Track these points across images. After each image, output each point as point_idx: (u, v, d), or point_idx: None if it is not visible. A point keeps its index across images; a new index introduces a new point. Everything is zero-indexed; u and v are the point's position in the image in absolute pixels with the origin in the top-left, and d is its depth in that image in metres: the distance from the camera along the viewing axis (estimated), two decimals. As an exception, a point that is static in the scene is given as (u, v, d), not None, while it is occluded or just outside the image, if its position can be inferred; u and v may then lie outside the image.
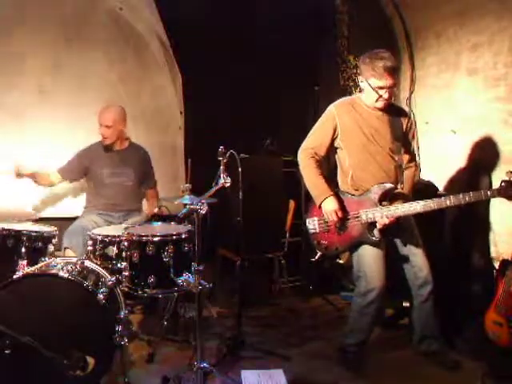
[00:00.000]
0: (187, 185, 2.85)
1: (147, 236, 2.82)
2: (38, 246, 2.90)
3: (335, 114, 2.98)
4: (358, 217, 2.92)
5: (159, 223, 3.18)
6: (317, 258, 3.11)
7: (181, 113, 4.30)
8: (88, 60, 4.03)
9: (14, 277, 2.61)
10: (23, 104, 3.95)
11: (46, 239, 2.95)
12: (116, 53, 4.12)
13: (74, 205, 3.92)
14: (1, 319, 2.36)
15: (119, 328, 2.55)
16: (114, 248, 2.97)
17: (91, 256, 2.98)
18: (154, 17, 4.16)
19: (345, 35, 4.59)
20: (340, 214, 2.91)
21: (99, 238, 3.01)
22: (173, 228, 3.07)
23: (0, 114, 3.91)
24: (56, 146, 3.97)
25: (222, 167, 2.79)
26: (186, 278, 2.63)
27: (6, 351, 2.37)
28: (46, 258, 2.83)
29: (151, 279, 2.78)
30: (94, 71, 4.07)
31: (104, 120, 3.64)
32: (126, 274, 2.85)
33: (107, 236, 3.01)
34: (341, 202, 2.95)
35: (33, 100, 3.96)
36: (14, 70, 3.92)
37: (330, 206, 2.92)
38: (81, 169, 3.73)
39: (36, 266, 2.71)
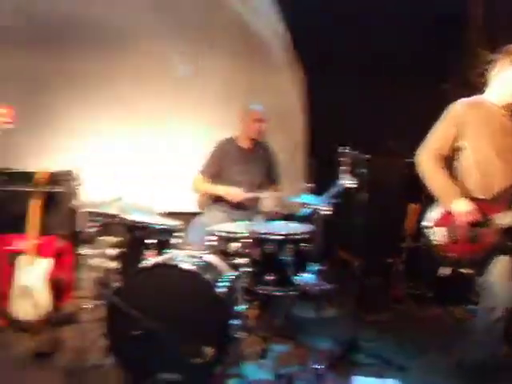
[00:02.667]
0: (308, 184, 2.85)
1: (268, 234, 2.85)
2: (163, 239, 3.06)
3: (459, 111, 2.81)
4: (491, 222, 2.66)
5: (280, 222, 3.21)
6: (447, 273, 2.82)
7: (303, 113, 4.30)
8: (214, 62, 4.19)
9: (142, 266, 2.81)
10: (157, 109, 4.23)
11: (171, 232, 3.11)
12: (238, 54, 4.22)
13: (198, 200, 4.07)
14: (131, 304, 2.54)
15: (236, 322, 2.62)
16: (235, 244, 3.02)
17: (212, 251, 3.07)
18: (276, 18, 4.19)
19: (478, 27, 4.26)
20: (475, 216, 2.65)
21: (221, 233, 3.10)
22: (294, 227, 3.07)
23: (134, 119, 4.23)
24: (185, 145, 4.18)
25: (344, 168, 2.74)
26: (304, 278, 2.63)
27: (136, 333, 2.55)
28: (171, 250, 2.98)
29: (270, 277, 2.81)
30: (218, 73, 4.21)
31: (264, 114, 3.69)
32: (246, 270, 2.91)
33: (229, 232, 3.08)
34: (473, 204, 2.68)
35: (165, 104, 4.22)
36: (150, 75, 4.22)
37: (462, 206, 2.67)
38: (217, 167, 3.77)
39: (161, 257, 2.87)
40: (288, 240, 2.84)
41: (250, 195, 3.56)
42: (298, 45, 4.30)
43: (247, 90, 4.20)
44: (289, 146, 4.23)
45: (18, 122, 4.17)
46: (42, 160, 3.89)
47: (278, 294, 2.95)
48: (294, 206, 3.40)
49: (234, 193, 3.55)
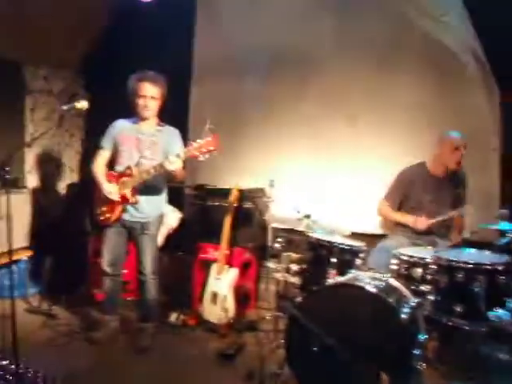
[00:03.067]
0: (504, 210, 2.62)
1: (458, 262, 2.68)
2: (346, 258, 3.12)
3: None
4: None
5: (471, 250, 2.99)
6: None
7: (496, 133, 3.95)
8: (400, 82, 4.12)
9: (327, 284, 2.88)
10: (338, 127, 4.33)
11: (354, 253, 3.14)
12: (426, 73, 4.07)
13: (382, 223, 4.05)
14: (312, 319, 2.60)
15: (417, 351, 2.49)
16: (420, 270, 2.92)
17: (395, 275, 3.00)
18: (470, 32, 3.95)
19: None
20: None
21: (404, 257, 3.02)
22: (487, 257, 2.84)
23: (320, 139, 4.37)
24: (373, 166, 4.19)
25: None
26: (498, 314, 2.41)
27: (314, 348, 2.61)
28: (354, 271, 3.00)
29: (458, 308, 2.64)
30: (404, 93, 4.12)
31: (463, 143, 3.52)
32: (431, 298, 2.78)
33: (413, 257, 2.99)
34: None
35: (347, 124, 4.30)
36: (329, 96, 4.35)
37: None
38: (403, 193, 3.68)
39: (345, 277, 2.92)
40: (479, 270, 2.64)
41: (434, 221, 3.43)
42: (493, 61, 3.97)
43: (436, 109, 4.00)
44: (482, 168, 3.91)
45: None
46: (236, 178, 4.22)
47: (465, 327, 2.74)
48: (489, 233, 3.14)
49: (419, 222, 3.46)
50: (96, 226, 3.61)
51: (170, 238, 4.04)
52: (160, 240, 3.67)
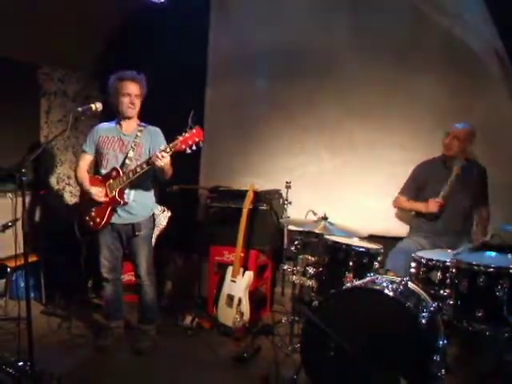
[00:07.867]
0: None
1: (479, 266, 2.61)
2: (364, 262, 3.07)
3: None
4: None
5: (493, 253, 2.92)
6: None
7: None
8: (419, 82, 4.07)
9: (344, 287, 2.83)
10: (354, 128, 4.28)
11: (372, 256, 3.09)
12: (447, 72, 4.01)
13: (400, 225, 4.01)
14: (329, 323, 2.55)
15: (437, 357, 2.42)
16: (439, 273, 2.86)
17: (413, 278, 2.95)
18: (491, 31, 3.88)
19: None
20: None
21: (423, 260, 2.95)
22: (509, 260, 2.77)
23: (339, 141, 4.35)
24: (390, 167, 4.15)
25: None
26: (521, 319, 2.33)
27: (331, 353, 2.56)
28: (371, 274, 2.96)
29: (479, 313, 2.56)
30: (425, 91, 4.06)
31: (463, 133, 3.55)
32: (450, 302, 2.71)
33: (432, 260, 2.93)
34: None
35: (363, 124, 4.26)
36: (345, 96, 4.32)
37: None
38: (418, 187, 3.69)
39: (363, 280, 2.88)
40: (501, 274, 2.56)
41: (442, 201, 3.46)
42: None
43: (457, 110, 3.93)
44: (505, 166, 3.85)
45: (231, 145, 4.70)
46: (251, 179, 4.21)
47: (486, 332, 2.67)
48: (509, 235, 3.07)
49: (430, 204, 3.51)
50: (85, 232, 3.44)
51: (182, 239, 4.00)
52: (153, 242, 3.61)
